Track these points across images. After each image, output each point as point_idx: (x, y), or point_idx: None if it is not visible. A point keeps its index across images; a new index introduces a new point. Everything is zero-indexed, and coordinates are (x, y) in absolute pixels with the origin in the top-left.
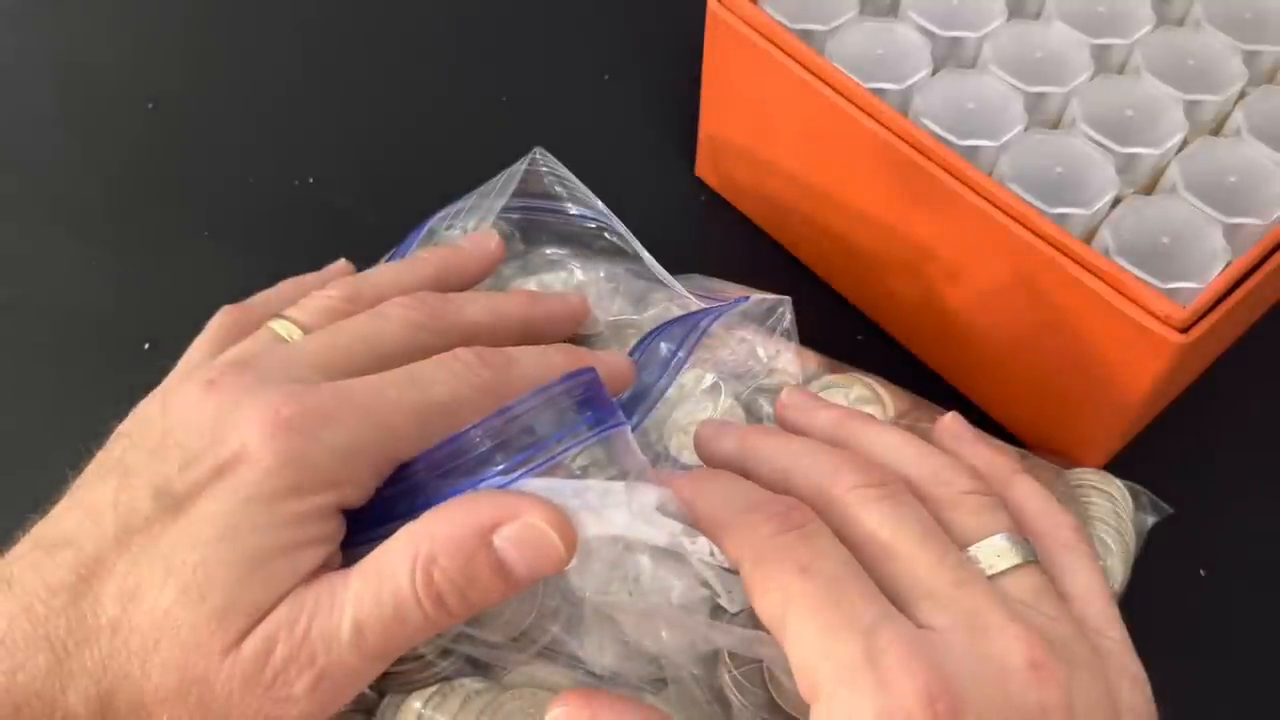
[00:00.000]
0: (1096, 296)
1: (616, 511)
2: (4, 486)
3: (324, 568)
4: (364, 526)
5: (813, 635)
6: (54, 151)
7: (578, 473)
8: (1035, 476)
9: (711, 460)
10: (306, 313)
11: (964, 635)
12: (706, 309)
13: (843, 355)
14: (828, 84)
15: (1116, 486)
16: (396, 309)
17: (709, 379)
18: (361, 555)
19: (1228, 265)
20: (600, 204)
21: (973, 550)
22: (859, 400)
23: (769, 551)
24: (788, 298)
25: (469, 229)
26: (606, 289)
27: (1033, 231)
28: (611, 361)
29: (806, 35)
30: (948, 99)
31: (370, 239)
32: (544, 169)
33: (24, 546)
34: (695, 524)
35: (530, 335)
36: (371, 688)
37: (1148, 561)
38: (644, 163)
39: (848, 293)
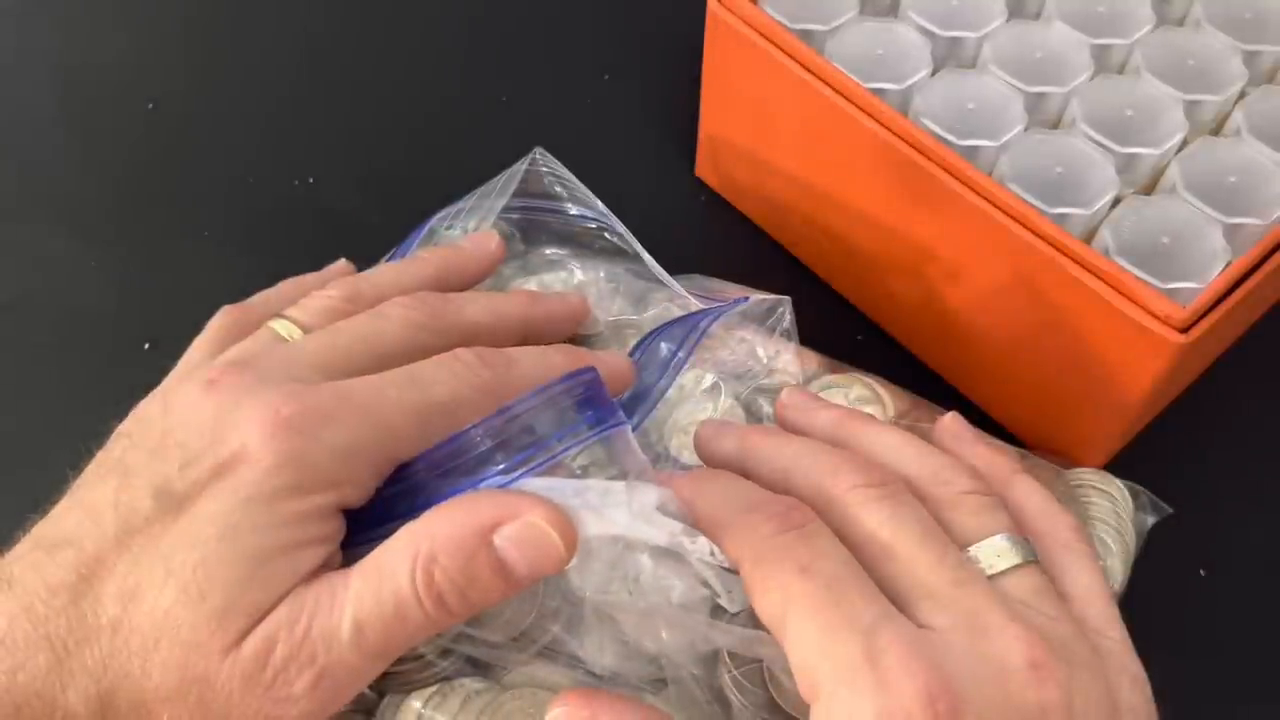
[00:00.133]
0: (1096, 296)
1: (617, 511)
2: (4, 486)
3: (324, 567)
4: (364, 526)
5: (813, 635)
6: (54, 151)
7: (578, 472)
8: (1035, 476)
9: (711, 460)
10: (307, 313)
11: (964, 635)
12: (706, 309)
13: (843, 355)
14: (828, 84)
15: (1116, 486)
16: (397, 309)
17: (709, 379)
18: (361, 555)
19: (1228, 265)
20: (600, 204)
21: (973, 550)
22: (859, 400)
23: (769, 551)
24: (788, 298)
25: (469, 229)
26: (606, 289)
27: (1033, 231)
28: (611, 361)
29: (806, 35)
30: (948, 99)
31: (370, 239)
32: (544, 169)
33: (24, 546)
34: (695, 524)
35: (530, 335)
36: (371, 688)
37: (1148, 561)
38: (644, 163)
39: (848, 293)
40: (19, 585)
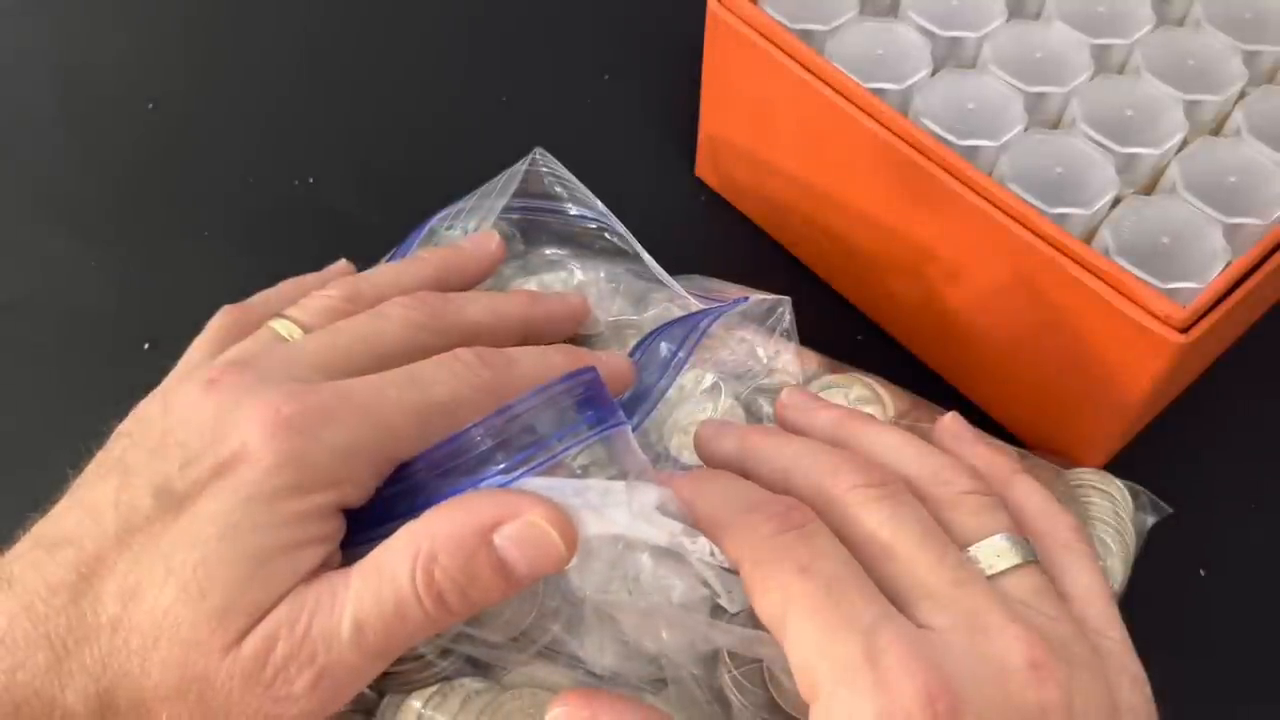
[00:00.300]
0: (1096, 296)
1: (617, 511)
2: (4, 486)
3: (324, 567)
4: (364, 526)
5: (812, 635)
6: (54, 151)
7: (578, 472)
8: (1035, 476)
9: (711, 460)
10: (307, 312)
11: (964, 635)
12: (706, 309)
13: (843, 355)
14: (828, 84)
15: (1116, 486)
16: (397, 309)
17: (709, 379)
18: (361, 555)
19: (1228, 265)
20: (600, 204)
21: (973, 550)
22: (859, 400)
23: (769, 551)
24: (787, 298)
25: (469, 229)
26: (606, 289)
27: (1033, 231)
28: (612, 362)
29: (806, 35)
30: (948, 99)
31: (370, 239)
32: (544, 169)
33: (24, 545)
34: (695, 524)
35: (530, 335)
36: (371, 688)
37: (1148, 561)
38: (644, 163)
39: (848, 293)
40: (19, 584)
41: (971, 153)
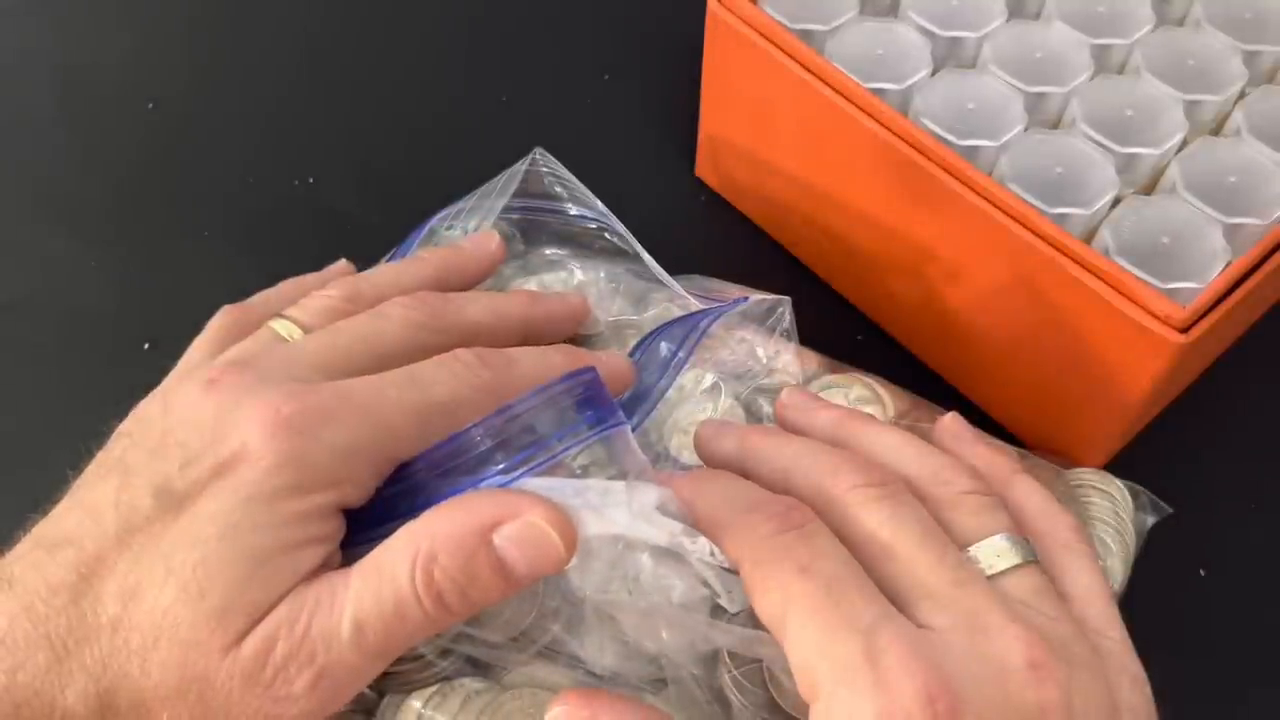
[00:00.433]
0: (1096, 296)
1: (617, 511)
2: (4, 486)
3: (324, 567)
4: (364, 526)
5: (812, 635)
6: (54, 151)
7: (578, 472)
8: (1035, 476)
9: (711, 460)
10: (307, 312)
11: (964, 635)
12: (706, 309)
13: (843, 355)
14: (828, 84)
15: (1116, 486)
16: (397, 309)
17: (709, 379)
18: (361, 555)
19: (1228, 265)
20: (600, 204)
21: (973, 550)
22: (859, 400)
23: (768, 551)
24: (787, 298)
25: (469, 229)
26: (606, 289)
27: (1033, 231)
28: (611, 362)
29: (806, 35)
30: (948, 99)
31: (370, 239)
32: (544, 169)
33: (25, 546)
34: (695, 524)
35: (530, 335)
36: (371, 688)
37: (1148, 561)
38: (644, 163)
39: (848, 293)
40: (19, 584)
41: (971, 153)
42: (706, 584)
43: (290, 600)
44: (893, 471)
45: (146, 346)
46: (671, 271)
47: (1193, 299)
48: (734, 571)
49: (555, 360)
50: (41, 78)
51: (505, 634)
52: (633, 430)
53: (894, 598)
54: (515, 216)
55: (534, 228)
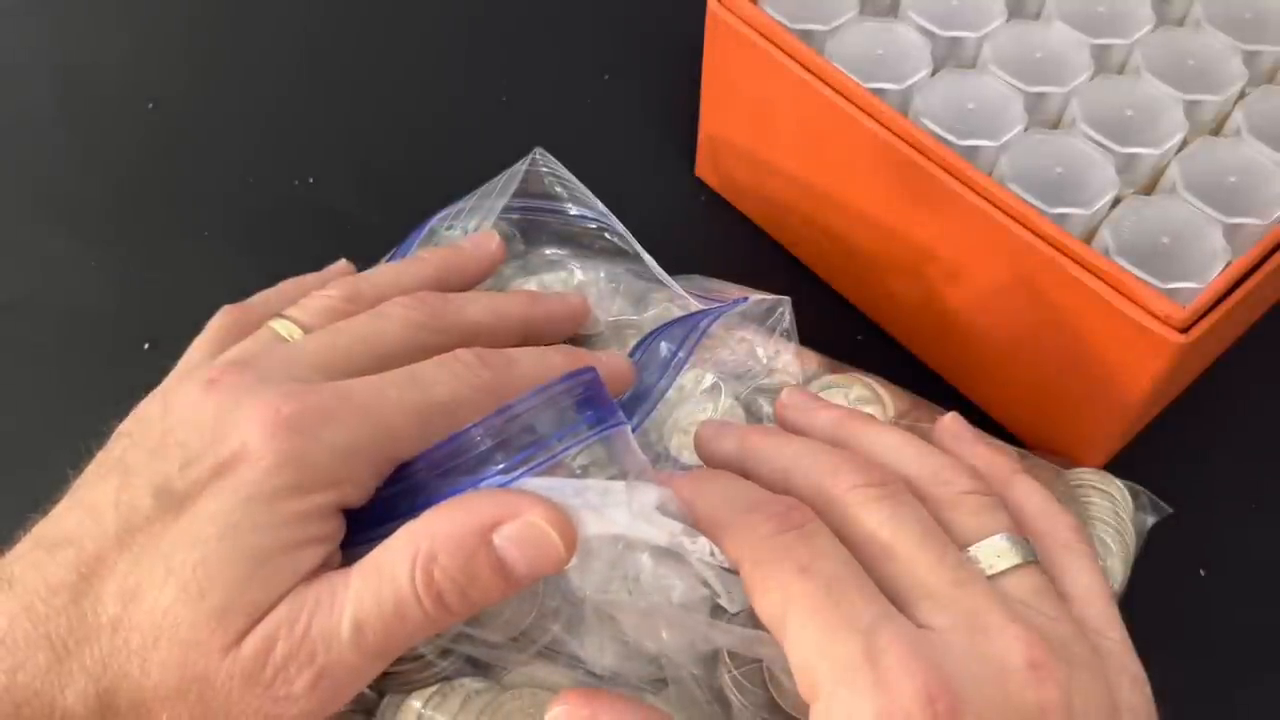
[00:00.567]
0: (1096, 296)
1: (617, 511)
2: (4, 486)
3: (324, 567)
4: (364, 526)
5: (812, 635)
6: (54, 151)
7: (578, 472)
8: (1035, 476)
9: (711, 460)
10: (307, 312)
11: (964, 635)
12: (706, 309)
13: (843, 355)
14: (828, 84)
15: (1116, 486)
16: (397, 309)
17: (709, 379)
18: (361, 555)
19: (1228, 265)
20: (600, 204)
21: (973, 550)
22: (859, 400)
23: (768, 551)
24: (787, 298)
25: (469, 229)
26: (606, 289)
27: (1033, 231)
28: (611, 362)
29: (806, 35)
30: (948, 99)
31: (370, 239)
32: (544, 169)
33: (25, 546)
34: (695, 524)
35: (530, 335)
36: (371, 688)
37: (1148, 561)
38: (644, 163)
39: (848, 293)
40: (19, 584)
41: (971, 153)
42: (706, 584)
43: (290, 600)
44: (893, 471)
45: (146, 346)
46: (671, 271)
47: (1193, 299)
48: (734, 571)
49: (555, 360)
50: (41, 78)
51: (505, 634)
52: (633, 430)
53: (894, 598)
54: (515, 216)
55: (534, 228)
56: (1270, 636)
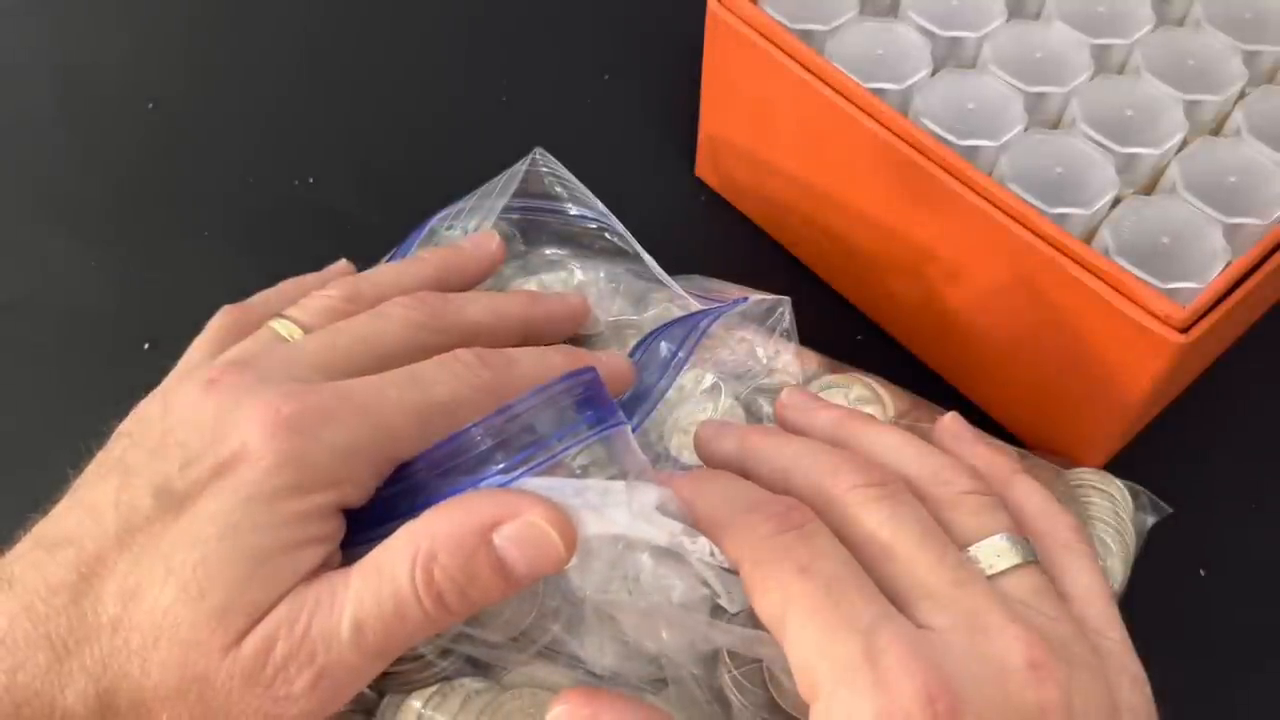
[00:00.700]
0: (1096, 296)
1: (617, 511)
2: (4, 486)
3: (324, 567)
4: (364, 526)
5: (812, 635)
6: (54, 151)
7: (578, 472)
8: (1035, 476)
9: (711, 460)
10: (307, 312)
11: (963, 635)
12: (706, 309)
13: (843, 355)
14: (828, 84)
15: (1116, 486)
16: (397, 309)
17: (709, 379)
18: (361, 555)
19: (1228, 265)
20: (600, 204)
21: (973, 550)
22: (859, 400)
23: (768, 551)
24: (787, 298)
25: (469, 229)
26: (606, 289)
27: (1033, 231)
28: (611, 362)
29: (806, 35)
30: (948, 99)
31: (370, 239)
32: (544, 169)
33: (25, 545)
34: (695, 524)
35: (530, 335)
36: (371, 688)
37: (1148, 561)
38: (644, 163)
39: (848, 293)
40: (19, 584)
41: (971, 153)
42: (706, 584)
43: (290, 600)
44: (893, 471)
45: (146, 346)
46: (671, 271)
47: (1193, 299)
48: (734, 571)
49: (555, 360)
50: (41, 78)
51: (505, 634)
52: (633, 430)
53: (894, 598)
54: (515, 216)
55: (534, 228)
56: (1270, 636)
